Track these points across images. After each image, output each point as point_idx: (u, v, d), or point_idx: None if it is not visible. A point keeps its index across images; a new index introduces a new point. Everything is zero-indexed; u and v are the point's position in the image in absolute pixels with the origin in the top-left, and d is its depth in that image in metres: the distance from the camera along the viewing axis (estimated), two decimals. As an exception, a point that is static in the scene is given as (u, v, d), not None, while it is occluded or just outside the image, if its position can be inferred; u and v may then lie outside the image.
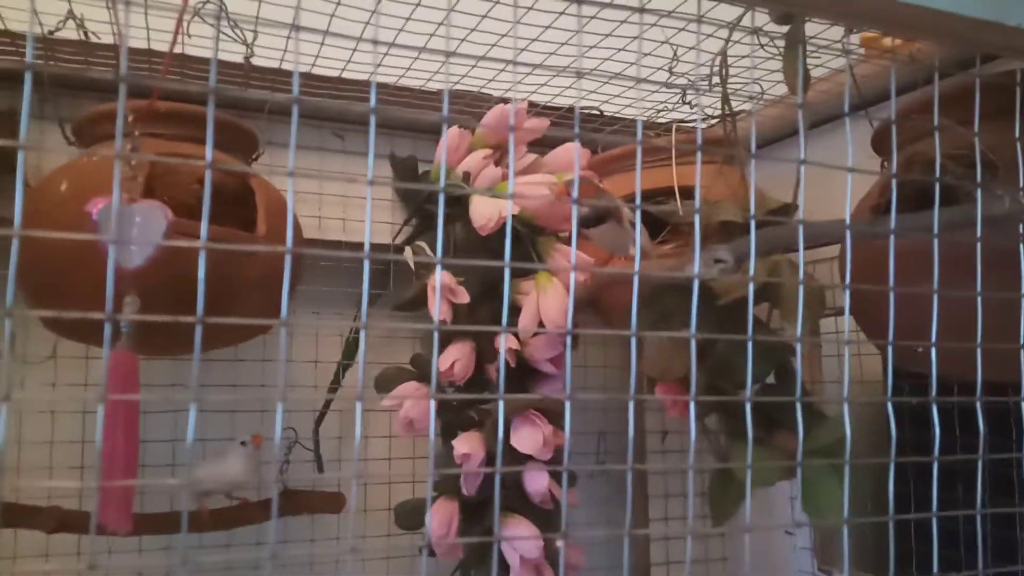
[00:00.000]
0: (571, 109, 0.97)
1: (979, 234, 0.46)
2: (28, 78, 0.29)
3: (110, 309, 0.29)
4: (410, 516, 0.84)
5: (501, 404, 0.38)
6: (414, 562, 0.99)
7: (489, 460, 0.77)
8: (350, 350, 0.96)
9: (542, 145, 0.86)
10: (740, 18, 0.50)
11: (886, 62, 0.72)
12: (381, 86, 0.91)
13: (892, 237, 0.43)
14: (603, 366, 1.11)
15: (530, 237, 0.81)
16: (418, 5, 0.72)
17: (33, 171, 0.78)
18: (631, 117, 1.02)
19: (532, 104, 0.97)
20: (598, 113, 1.01)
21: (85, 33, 0.75)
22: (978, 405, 0.44)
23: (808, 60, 0.51)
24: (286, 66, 0.86)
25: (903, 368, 0.65)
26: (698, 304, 0.38)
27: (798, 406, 0.41)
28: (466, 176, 0.82)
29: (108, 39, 0.77)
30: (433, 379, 0.41)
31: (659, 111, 1.00)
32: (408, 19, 0.74)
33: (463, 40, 0.77)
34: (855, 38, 0.73)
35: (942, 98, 0.47)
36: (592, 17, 0.71)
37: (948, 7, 0.42)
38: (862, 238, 0.59)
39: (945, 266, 0.44)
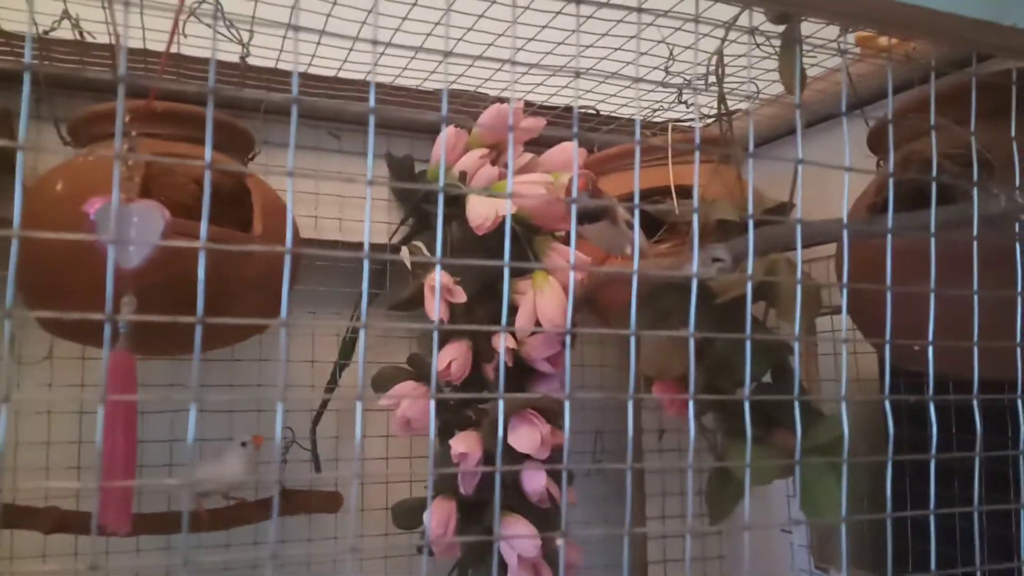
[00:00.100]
0: (568, 108, 0.97)
1: (975, 233, 0.46)
2: (27, 79, 0.28)
3: (110, 310, 0.29)
4: (408, 515, 0.84)
5: (501, 403, 0.38)
6: (412, 561, 0.99)
7: (486, 459, 0.77)
8: (347, 350, 0.96)
9: (538, 144, 0.86)
10: (736, 17, 0.50)
11: (882, 61, 0.73)
12: (378, 85, 0.91)
13: (889, 236, 0.43)
14: (600, 365, 1.11)
15: (526, 236, 0.81)
16: (415, 4, 0.72)
17: (29, 171, 0.78)
18: (627, 116, 1.02)
19: (528, 103, 0.97)
20: (594, 112, 1.01)
21: (80, 33, 0.75)
22: (975, 403, 0.44)
23: (804, 59, 0.51)
24: (282, 66, 0.86)
25: (900, 367, 0.65)
26: (696, 303, 0.39)
27: (796, 404, 0.41)
28: (462, 175, 0.82)
29: (103, 39, 0.76)
30: (433, 379, 0.41)
31: (655, 110, 1.00)
32: (405, 18, 0.74)
33: (460, 39, 0.77)
34: (851, 37, 0.73)
35: (938, 97, 0.47)
36: (589, 16, 0.71)
37: (944, 7, 0.42)
38: (859, 237, 0.59)
39: (942, 265, 0.44)
